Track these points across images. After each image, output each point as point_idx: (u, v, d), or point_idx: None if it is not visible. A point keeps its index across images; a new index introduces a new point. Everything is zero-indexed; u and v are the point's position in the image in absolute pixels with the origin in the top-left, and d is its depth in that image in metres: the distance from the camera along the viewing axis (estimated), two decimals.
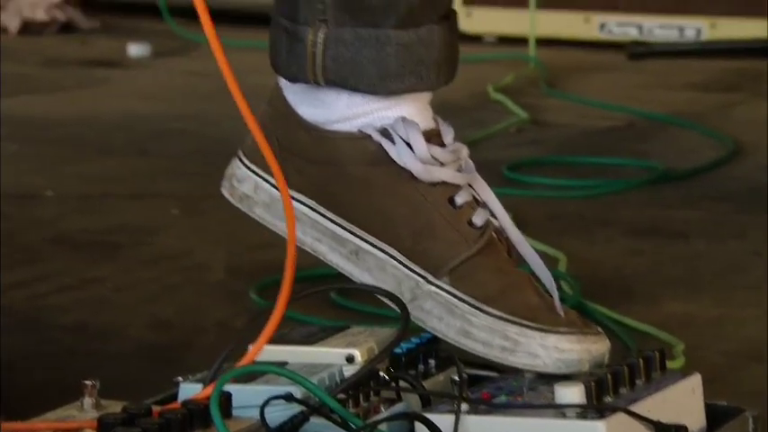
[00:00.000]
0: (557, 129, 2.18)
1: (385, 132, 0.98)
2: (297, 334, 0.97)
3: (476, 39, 3.00)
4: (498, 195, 1.01)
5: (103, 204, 1.56)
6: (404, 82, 0.98)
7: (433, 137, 0.99)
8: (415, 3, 0.98)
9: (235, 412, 0.82)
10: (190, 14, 3.71)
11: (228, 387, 0.81)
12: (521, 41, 2.88)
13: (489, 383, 0.91)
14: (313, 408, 0.81)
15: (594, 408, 0.82)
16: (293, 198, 1.01)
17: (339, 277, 1.02)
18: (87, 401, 0.83)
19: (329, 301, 1.27)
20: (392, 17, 0.97)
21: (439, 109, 1.03)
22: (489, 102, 2.37)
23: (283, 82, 1.02)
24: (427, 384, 0.92)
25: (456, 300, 0.96)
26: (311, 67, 0.99)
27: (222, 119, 2.17)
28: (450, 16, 1.01)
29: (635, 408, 0.83)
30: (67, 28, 3.11)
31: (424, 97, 1.01)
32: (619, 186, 1.75)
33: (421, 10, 0.98)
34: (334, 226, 1.00)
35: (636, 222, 1.59)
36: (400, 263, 0.98)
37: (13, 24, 3.05)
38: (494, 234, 0.98)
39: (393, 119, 0.98)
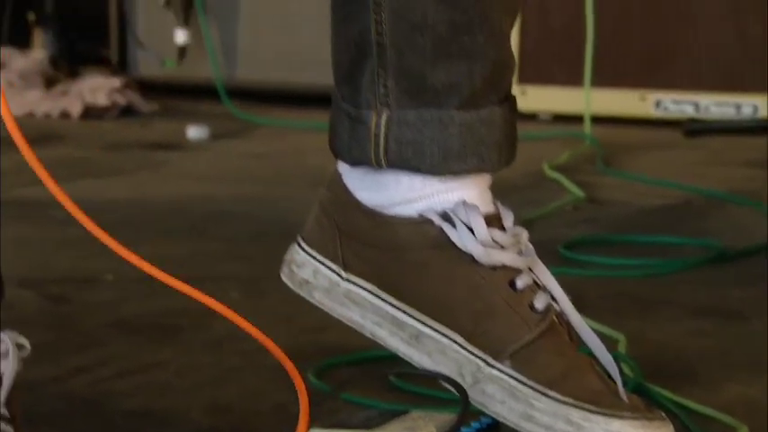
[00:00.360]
0: (613, 207, 2.17)
1: (446, 216, 0.99)
2: (356, 419, 0.97)
3: (531, 117, 3.01)
4: (555, 274, 1.01)
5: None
6: (466, 162, 0.99)
7: (493, 220, 0.99)
8: (477, 84, 0.98)
9: None
10: (248, 97, 3.74)
11: None
12: (576, 119, 2.89)
13: None
14: None
15: None
16: (353, 282, 1.01)
17: (398, 360, 1.02)
18: None
19: (388, 384, 1.26)
20: (455, 98, 0.98)
21: (494, 187, 1.03)
22: (545, 180, 2.37)
23: (343, 167, 1.03)
24: None
25: (518, 383, 0.96)
26: (374, 149, 1.00)
27: (279, 201, 2.18)
28: (510, 98, 1.02)
29: None
30: (128, 112, 3.16)
31: (484, 181, 1.01)
32: (677, 266, 1.74)
33: (483, 91, 0.99)
34: (395, 310, 1.00)
35: (695, 302, 1.58)
36: (461, 346, 0.98)
37: (75, 109, 3.10)
38: (555, 318, 0.98)
39: (454, 202, 0.99)
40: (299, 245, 1.04)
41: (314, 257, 1.03)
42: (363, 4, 0.97)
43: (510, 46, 1.01)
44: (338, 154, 1.02)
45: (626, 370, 1.29)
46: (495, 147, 1.00)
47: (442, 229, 0.98)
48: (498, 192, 1.04)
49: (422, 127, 0.98)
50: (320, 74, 3.25)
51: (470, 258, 0.98)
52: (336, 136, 1.02)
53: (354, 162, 1.01)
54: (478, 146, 0.99)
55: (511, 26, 1.00)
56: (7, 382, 0.97)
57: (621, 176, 2.41)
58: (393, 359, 1.03)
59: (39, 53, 3.50)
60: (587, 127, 2.80)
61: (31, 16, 3.59)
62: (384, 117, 0.99)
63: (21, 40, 3.57)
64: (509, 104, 1.01)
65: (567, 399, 0.94)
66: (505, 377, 0.96)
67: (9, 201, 2.05)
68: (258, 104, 3.26)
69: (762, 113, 2.90)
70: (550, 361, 0.96)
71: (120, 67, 3.45)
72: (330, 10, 1.01)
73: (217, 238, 1.90)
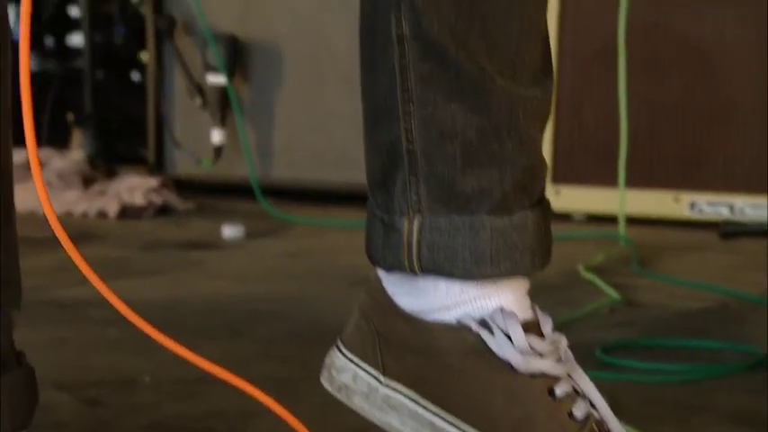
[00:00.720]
0: (650, 310, 2.16)
1: (484, 323, 0.98)
2: None
3: (565, 217, 3.01)
4: (592, 379, 1.01)
5: (199, 389, 1.56)
6: (498, 267, 0.99)
7: (531, 327, 0.99)
8: (508, 190, 0.99)
9: None
10: (283, 196, 3.73)
11: None
12: (610, 220, 2.88)
13: None
14: None
15: None
16: (392, 388, 1.01)
17: None
18: None
19: None
20: (486, 204, 0.99)
21: (530, 287, 1.03)
22: (580, 281, 2.36)
23: (382, 273, 1.03)
24: None
25: None
26: (407, 255, 1.00)
27: (314, 300, 2.18)
28: (544, 202, 1.02)
29: None
30: (164, 211, 3.18)
31: (522, 286, 1.01)
32: (716, 371, 1.72)
33: (514, 196, 0.99)
34: (433, 416, 0.99)
35: (734, 409, 1.56)
36: None
37: (112, 209, 3.12)
38: (594, 425, 0.98)
39: (491, 309, 0.99)
40: (339, 349, 1.04)
41: (353, 362, 1.03)
42: (393, 112, 0.98)
43: (541, 151, 1.01)
44: (374, 260, 1.03)
45: None
46: (527, 251, 1.00)
47: (480, 336, 0.98)
48: (533, 291, 1.04)
49: (454, 233, 0.99)
50: (354, 172, 3.28)
51: (509, 366, 0.97)
52: (371, 242, 1.03)
53: (390, 268, 1.01)
54: (511, 251, 0.99)
55: (541, 131, 1.01)
56: None
57: (657, 278, 2.40)
58: None
59: (77, 153, 3.54)
60: (622, 228, 2.80)
61: (70, 117, 3.64)
62: (416, 223, 1.00)
63: (59, 140, 3.62)
64: (542, 208, 1.01)
65: None
66: None
67: (46, 301, 2.06)
68: (293, 203, 3.28)
69: None
70: None
71: (157, 166, 3.48)
72: (362, 115, 1.03)
73: (252, 338, 1.90)
